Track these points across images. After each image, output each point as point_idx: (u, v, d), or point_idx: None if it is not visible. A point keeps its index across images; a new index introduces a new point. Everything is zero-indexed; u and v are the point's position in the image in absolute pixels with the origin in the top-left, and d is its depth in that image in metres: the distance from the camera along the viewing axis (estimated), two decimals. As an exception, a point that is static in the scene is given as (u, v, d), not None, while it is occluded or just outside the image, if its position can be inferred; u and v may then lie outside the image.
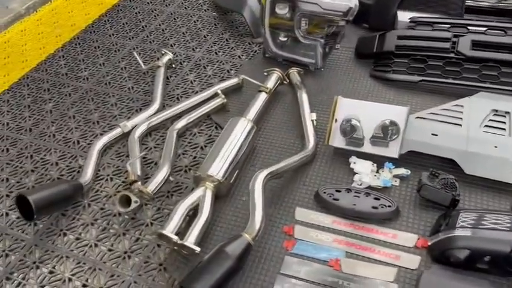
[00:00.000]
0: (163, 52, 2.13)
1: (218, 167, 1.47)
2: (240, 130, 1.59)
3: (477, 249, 1.20)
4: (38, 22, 2.60)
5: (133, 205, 1.44)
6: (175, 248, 1.34)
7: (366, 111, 1.56)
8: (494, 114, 1.55)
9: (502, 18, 1.98)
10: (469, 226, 1.25)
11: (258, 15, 2.22)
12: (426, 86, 1.81)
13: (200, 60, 2.17)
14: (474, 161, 1.45)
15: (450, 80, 1.77)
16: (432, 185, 1.38)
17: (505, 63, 1.72)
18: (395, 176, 1.50)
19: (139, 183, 1.53)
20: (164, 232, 1.31)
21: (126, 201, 1.47)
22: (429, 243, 1.30)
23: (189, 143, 1.75)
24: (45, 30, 2.53)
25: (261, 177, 1.41)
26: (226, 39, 2.29)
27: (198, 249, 1.29)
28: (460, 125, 1.54)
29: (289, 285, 1.28)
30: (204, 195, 1.43)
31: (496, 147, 1.46)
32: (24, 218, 1.44)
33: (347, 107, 1.58)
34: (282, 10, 1.90)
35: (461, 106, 1.59)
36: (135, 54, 2.16)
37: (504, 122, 1.53)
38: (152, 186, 1.47)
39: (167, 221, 1.35)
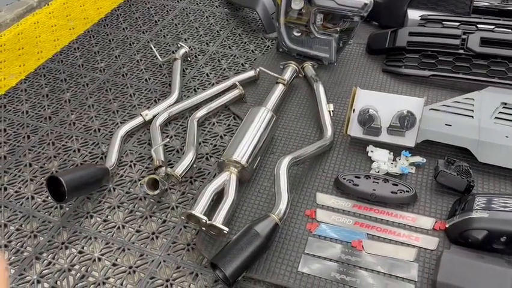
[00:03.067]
0: (179, 45, 2.18)
1: (242, 153, 1.52)
2: (261, 118, 1.65)
3: (494, 229, 1.27)
4: (50, 15, 2.63)
5: (161, 188, 1.49)
6: (203, 228, 1.39)
7: (383, 102, 1.62)
8: (504, 107, 1.62)
9: (506, 18, 2.06)
10: (485, 208, 1.31)
11: (271, 11, 2.29)
12: (437, 81, 1.89)
13: (214, 54, 2.22)
14: (486, 150, 1.52)
15: (460, 75, 1.85)
16: (448, 171, 1.45)
17: (512, 59, 1.80)
18: (411, 164, 1.57)
19: (164, 168, 1.58)
20: (194, 212, 1.36)
21: (153, 184, 1.52)
22: (447, 226, 1.37)
23: (209, 132, 1.80)
24: (58, 23, 2.56)
25: (285, 162, 1.47)
26: (239, 35, 2.35)
27: (226, 229, 1.34)
28: (472, 116, 1.61)
29: (313, 264, 1.33)
30: (228, 179, 1.48)
31: (507, 137, 1.53)
32: (53, 199, 1.47)
33: (364, 98, 1.64)
34: (298, 5, 1.96)
35: (472, 99, 1.66)
36: (152, 47, 2.21)
37: (513, 115, 1.61)
38: (180, 169, 1.52)
39: (195, 203, 1.40)
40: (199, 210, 1.38)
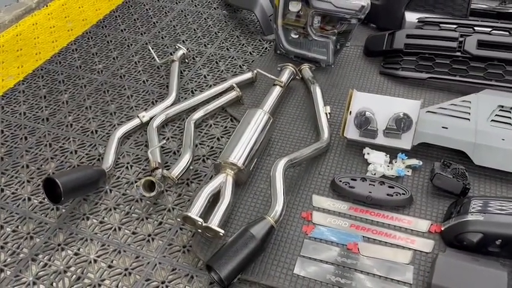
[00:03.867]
0: (177, 47, 2.18)
1: (238, 155, 1.52)
2: (258, 120, 1.65)
3: (489, 232, 1.27)
4: (49, 16, 2.64)
5: (157, 190, 1.49)
6: (199, 230, 1.39)
7: (379, 104, 1.63)
8: (500, 110, 1.62)
9: (504, 21, 2.07)
10: (481, 211, 1.31)
11: (269, 13, 2.29)
12: (434, 83, 1.90)
13: (212, 55, 2.23)
14: (483, 153, 1.52)
15: (457, 78, 1.86)
16: (444, 174, 1.45)
17: (509, 62, 1.80)
18: (407, 167, 1.57)
19: (160, 170, 1.58)
20: (190, 214, 1.36)
21: (149, 186, 1.52)
22: (442, 228, 1.37)
23: (206, 133, 1.80)
24: (57, 24, 2.57)
25: (281, 164, 1.47)
26: (237, 36, 2.35)
27: (222, 231, 1.34)
28: (468, 119, 1.61)
29: (309, 267, 1.33)
30: (225, 181, 1.48)
31: (503, 139, 1.53)
32: (50, 201, 1.48)
33: (361, 100, 1.64)
34: (296, 8, 1.97)
35: (469, 102, 1.67)
36: (150, 48, 2.21)
37: (510, 117, 1.60)
38: (176, 171, 1.52)
39: (191, 205, 1.40)
40: (195, 212, 1.38)
